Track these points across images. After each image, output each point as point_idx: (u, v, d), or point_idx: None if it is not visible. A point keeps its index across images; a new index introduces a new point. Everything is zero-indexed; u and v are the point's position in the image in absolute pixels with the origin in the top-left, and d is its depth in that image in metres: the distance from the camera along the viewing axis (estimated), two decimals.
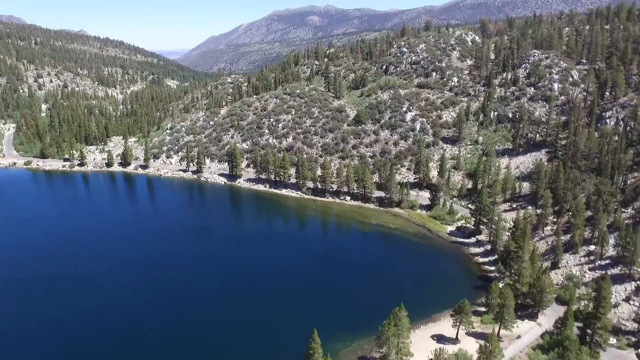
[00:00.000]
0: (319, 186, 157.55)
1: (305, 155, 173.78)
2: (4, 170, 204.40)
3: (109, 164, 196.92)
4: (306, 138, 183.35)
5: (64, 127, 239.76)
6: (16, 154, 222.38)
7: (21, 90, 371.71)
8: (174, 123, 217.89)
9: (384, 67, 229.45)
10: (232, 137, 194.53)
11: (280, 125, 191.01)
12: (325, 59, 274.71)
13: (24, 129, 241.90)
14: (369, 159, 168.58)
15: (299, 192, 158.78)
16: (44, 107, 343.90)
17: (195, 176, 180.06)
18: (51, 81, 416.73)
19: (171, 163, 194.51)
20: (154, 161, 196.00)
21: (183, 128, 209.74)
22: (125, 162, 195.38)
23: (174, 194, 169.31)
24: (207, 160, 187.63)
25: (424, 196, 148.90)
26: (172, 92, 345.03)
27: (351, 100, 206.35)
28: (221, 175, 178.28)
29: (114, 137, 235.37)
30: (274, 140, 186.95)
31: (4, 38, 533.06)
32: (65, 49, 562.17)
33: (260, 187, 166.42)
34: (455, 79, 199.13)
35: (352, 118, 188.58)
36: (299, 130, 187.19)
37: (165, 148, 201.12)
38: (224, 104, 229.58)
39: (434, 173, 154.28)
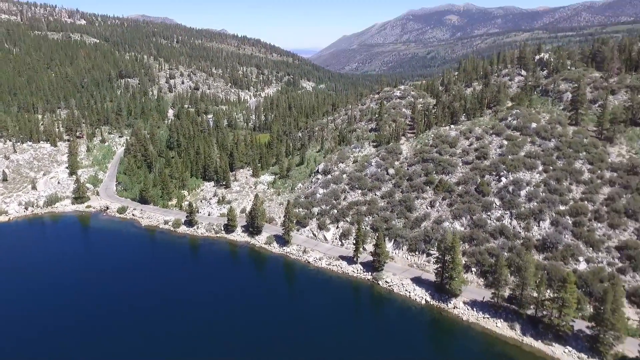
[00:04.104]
0: None
1: (585, 266, 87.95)
2: (94, 218, 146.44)
3: (228, 228, 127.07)
4: (579, 225, 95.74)
5: (178, 150, 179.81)
6: (114, 189, 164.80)
7: (150, 93, 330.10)
8: (327, 163, 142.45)
9: None
10: (431, 205, 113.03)
11: (522, 192, 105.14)
12: (539, 68, 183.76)
13: (132, 149, 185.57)
14: None
15: None
16: (170, 112, 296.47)
17: (368, 276, 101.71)
18: (182, 82, 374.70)
19: (325, 239, 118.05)
20: (298, 231, 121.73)
21: (344, 175, 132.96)
22: (253, 228, 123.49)
23: (334, 315, 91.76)
24: (389, 245, 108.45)
25: None
26: (313, 102, 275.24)
27: None
28: (416, 280, 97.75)
29: (240, 170, 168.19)
30: (514, 221, 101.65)
31: (149, 37, 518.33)
32: (203, 47, 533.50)
33: (501, 328, 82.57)
34: None
35: None
36: (560, 207, 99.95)
37: (316, 210, 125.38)
38: (400, 134, 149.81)
39: None
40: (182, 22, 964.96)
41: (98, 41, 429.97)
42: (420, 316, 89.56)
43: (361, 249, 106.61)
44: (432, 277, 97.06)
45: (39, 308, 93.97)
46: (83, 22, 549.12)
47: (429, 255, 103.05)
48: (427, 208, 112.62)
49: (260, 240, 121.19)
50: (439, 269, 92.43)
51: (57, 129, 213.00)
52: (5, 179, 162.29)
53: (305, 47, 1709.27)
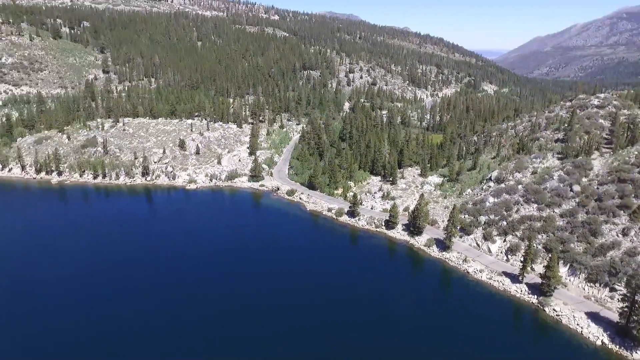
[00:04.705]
0: None
1: None
2: (266, 196, 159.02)
3: (389, 224, 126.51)
4: None
5: (350, 142, 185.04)
6: (286, 172, 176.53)
7: (329, 85, 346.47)
8: (502, 171, 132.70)
9: None
10: (623, 234, 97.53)
11: None
12: None
13: (307, 137, 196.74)
14: None
15: None
16: (346, 105, 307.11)
17: (533, 299, 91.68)
18: (361, 77, 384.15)
19: (489, 251, 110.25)
20: (461, 238, 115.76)
21: (519, 186, 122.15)
22: (414, 228, 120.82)
23: (490, 333, 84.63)
24: (563, 270, 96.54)
25: None
26: (493, 106, 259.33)
27: None
28: (592, 316, 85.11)
29: (409, 168, 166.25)
30: None
31: (334, 32, 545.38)
32: (384, 44, 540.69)
33: None
34: None
35: None
36: None
37: (483, 219, 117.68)
38: (593, 148, 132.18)
39: None
40: (366, 19, 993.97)
41: (287, 35, 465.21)
42: (593, 358, 77.84)
43: (529, 268, 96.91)
44: (613, 317, 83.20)
45: (209, 272, 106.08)
46: (276, 17, 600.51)
47: (613, 290, 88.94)
48: (617, 235, 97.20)
49: (419, 241, 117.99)
50: (626, 309, 78.91)
51: (243, 113, 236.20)
52: (198, 152, 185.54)
53: (490, 48, 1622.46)
